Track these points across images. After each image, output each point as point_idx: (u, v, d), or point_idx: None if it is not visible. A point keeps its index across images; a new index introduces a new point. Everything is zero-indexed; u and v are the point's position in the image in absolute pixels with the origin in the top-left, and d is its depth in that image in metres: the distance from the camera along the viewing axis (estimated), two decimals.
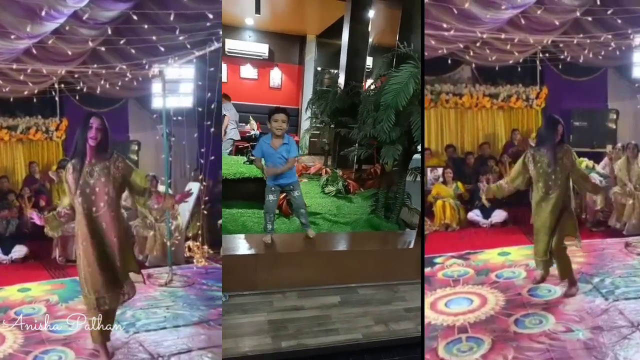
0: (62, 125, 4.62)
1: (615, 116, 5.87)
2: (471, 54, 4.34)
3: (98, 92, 3.87)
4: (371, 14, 8.31)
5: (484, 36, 3.99)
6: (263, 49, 11.00)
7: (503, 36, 4.06)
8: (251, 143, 7.21)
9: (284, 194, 4.30)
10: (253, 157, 6.65)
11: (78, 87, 3.94)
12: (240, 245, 3.92)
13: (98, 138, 2.36)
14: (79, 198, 2.38)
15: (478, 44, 4.20)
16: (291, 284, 3.66)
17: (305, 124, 9.90)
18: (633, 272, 3.35)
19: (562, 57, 4.82)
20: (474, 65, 4.64)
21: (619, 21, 4.22)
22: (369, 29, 8.46)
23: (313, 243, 4.07)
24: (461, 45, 4.16)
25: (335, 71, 9.79)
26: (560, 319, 2.76)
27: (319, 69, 11.40)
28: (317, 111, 8.50)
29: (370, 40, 8.72)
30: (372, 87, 5.96)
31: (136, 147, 5.00)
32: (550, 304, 2.94)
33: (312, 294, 3.59)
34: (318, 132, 9.38)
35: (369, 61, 9.66)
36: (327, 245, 4.17)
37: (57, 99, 4.31)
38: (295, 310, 3.35)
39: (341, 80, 8.24)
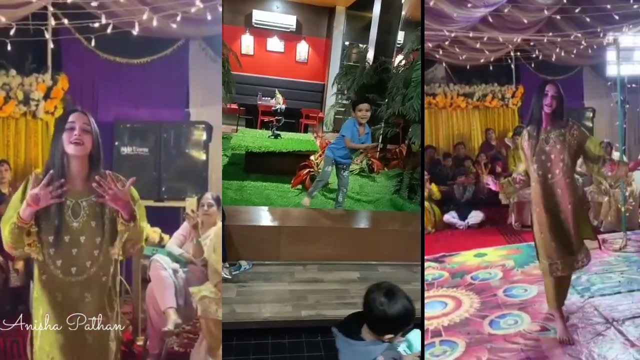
0: (518, 92, 4.82)
1: (591, 114, 5.89)
2: (441, 52, 4.30)
3: (553, 59, 4.10)
4: None
5: (452, 35, 3.94)
6: (291, 21, 10.58)
7: (471, 34, 4.01)
8: (276, 117, 7.01)
9: (307, 170, 4.48)
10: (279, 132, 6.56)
11: (533, 55, 4.12)
12: (264, 217, 4.06)
13: (553, 106, 2.37)
14: (534, 164, 2.44)
15: (447, 43, 4.16)
16: (312, 257, 3.73)
17: (330, 99, 9.62)
18: (609, 268, 3.31)
19: (534, 55, 4.80)
20: (444, 64, 4.61)
21: (588, 19, 4.20)
22: (402, 2, 7.76)
23: (335, 219, 4.18)
24: (430, 45, 4.11)
25: (364, 46, 9.28)
26: (535, 319, 2.71)
27: (346, 43, 10.84)
28: (343, 87, 8.30)
29: (403, 13, 8.26)
30: (403, 62, 5.81)
31: (591, 114, 5.27)
32: (526, 304, 2.88)
33: (332, 268, 3.65)
34: (344, 109, 9.17)
35: (400, 36, 8.92)
36: (349, 222, 4.23)
37: (512, 66, 4.54)
38: (315, 282, 3.43)
39: (370, 55, 7.73)
